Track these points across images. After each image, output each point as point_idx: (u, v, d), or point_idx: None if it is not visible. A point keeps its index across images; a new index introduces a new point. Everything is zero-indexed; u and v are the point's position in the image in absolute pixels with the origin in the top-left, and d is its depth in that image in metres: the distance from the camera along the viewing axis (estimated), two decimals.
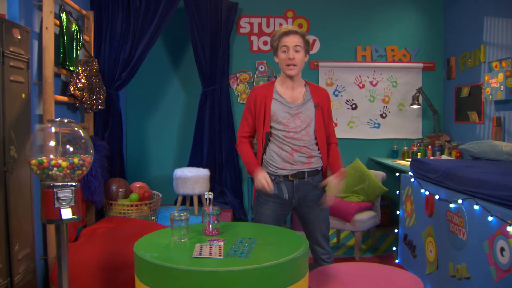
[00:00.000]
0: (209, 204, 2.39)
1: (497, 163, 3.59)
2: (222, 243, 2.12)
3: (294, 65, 2.77)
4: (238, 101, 5.72)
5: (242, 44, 5.74)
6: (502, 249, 2.48)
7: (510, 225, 2.40)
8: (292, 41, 2.75)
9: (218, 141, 5.47)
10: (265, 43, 5.71)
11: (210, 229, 2.35)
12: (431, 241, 3.42)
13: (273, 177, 2.81)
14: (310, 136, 2.82)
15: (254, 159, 2.86)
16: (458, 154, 4.92)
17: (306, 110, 2.83)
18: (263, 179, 2.73)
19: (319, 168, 2.88)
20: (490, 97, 4.50)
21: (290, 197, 2.82)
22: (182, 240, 2.21)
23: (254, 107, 2.86)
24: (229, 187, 5.51)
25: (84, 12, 4.16)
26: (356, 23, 5.79)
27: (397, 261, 4.14)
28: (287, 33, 2.76)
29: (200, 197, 4.99)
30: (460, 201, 2.96)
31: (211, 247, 2.06)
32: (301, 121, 2.80)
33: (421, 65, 5.78)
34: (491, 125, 4.68)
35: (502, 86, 4.29)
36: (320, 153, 2.88)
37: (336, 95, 5.79)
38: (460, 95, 5.33)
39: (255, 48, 5.73)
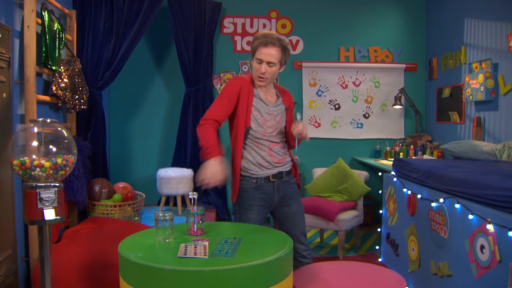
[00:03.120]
0: (194, 204, 2.39)
1: (478, 163, 3.64)
2: (207, 243, 2.12)
3: (264, 78, 2.75)
4: None
5: (225, 44, 5.74)
6: (482, 247, 2.53)
7: (490, 223, 2.45)
8: (268, 54, 2.70)
9: None
10: (248, 43, 5.71)
11: (195, 229, 2.34)
12: (414, 239, 3.47)
13: (254, 180, 2.80)
14: (282, 135, 2.89)
15: (217, 145, 2.64)
16: (439, 153, 4.98)
17: (279, 111, 2.87)
18: (215, 168, 2.52)
19: (291, 167, 2.95)
20: (471, 97, 4.57)
21: (272, 198, 2.84)
22: (167, 240, 2.20)
23: (237, 96, 2.77)
24: (213, 187, 5.49)
25: (66, 10, 4.12)
26: (339, 24, 5.83)
27: (380, 259, 4.18)
28: (266, 43, 2.70)
29: (183, 197, 4.98)
30: (441, 200, 3.00)
31: (195, 247, 2.06)
32: (276, 121, 2.84)
33: (404, 65, 5.84)
34: (471, 125, 4.75)
35: (482, 87, 4.36)
36: (288, 153, 2.96)
37: (319, 95, 5.82)
38: (441, 95, 5.40)
39: (238, 48, 5.74)
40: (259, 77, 2.75)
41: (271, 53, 2.70)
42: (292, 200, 2.91)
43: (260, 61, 2.73)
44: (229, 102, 2.75)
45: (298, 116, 2.90)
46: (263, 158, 2.80)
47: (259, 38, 2.74)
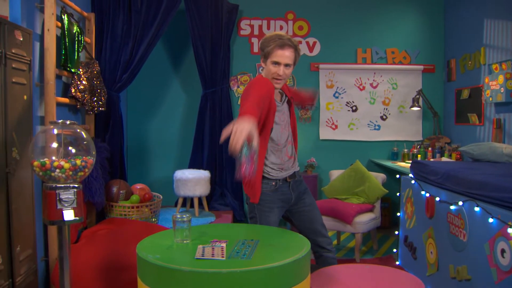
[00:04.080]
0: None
1: (497, 165, 3.60)
2: (224, 245, 2.13)
3: (281, 79, 2.76)
4: (238, 103, 5.72)
5: (242, 46, 5.75)
6: (503, 251, 2.49)
7: (510, 227, 2.41)
8: (285, 56, 2.69)
9: (219, 143, 5.47)
10: None
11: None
12: (432, 243, 3.43)
13: (274, 183, 2.80)
14: (289, 130, 2.90)
15: (254, 109, 2.33)
16: (458, 156, 4.93)
17: (285, 108, 2.88)
18: (244, 126, 2.06)
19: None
20: (490, 99, 4.51)
21: (289, 198, 2.86)
22: (185, 242, 2.21)
23: (270, 99, 2.67)
24: (230, 189, 5.52)
25: (85, 14, 4.17)
26: (356, 25, 5.80)
27: (397, 262, 4.14)
28: (282, 46, 2.69)
29: (200, 199, 4.99)
30: (460, 203, 2.97)
31: (213, 249, 2.07)
32: (286, 118, 2.88)
33: (421, 67, 5.79)
34: (491, 127, 4.69)
35: (502, 88, 4.30)
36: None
37: (337, 97, 5.80)
38: (460, 97, 5.34)
39: (255, 50, 5.74)
40: (276, 79, 2.74)
41: (287, 55, 2.70)
42: (305, 195, 2.95)
43: (277, 63, 2.71)
44: (265, 105, 2.61)
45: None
46: (283, 160, 2.82)
47: (274, 40, 2.71)
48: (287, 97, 2.92)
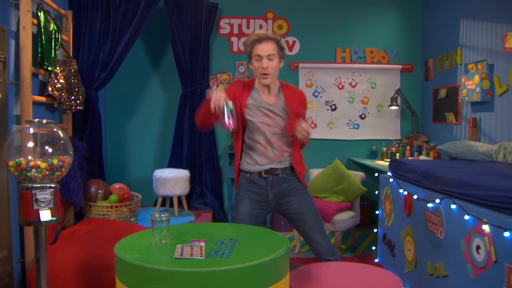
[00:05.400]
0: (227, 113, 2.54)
1: (473, 163, 3.65)
2: (203, 244, 2.12)
3: (268, 73, 2.75)
4: None
5: (222, 45, 5.74)
6: (478, 247, 2.53)
7: (485, 224, 2.45)
8: (265, 49, 2.71)
9: (198, 142, 5.46)
10: (245, 44, 5.71)
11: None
12: (410, 240, 3.47)
13: (248, 175, 2.85)
14: (280, 135, 2.85)
15: None
16: (435, 154, 5.00)
17: (279, 113, 2.84)
18: (218, 92, 2.57)
19: (291, 164, 2.91)
20: (467, 98, 4.59)
21: (265, 194, 2.84)
22: (163, 241, 2.19)
23: (232, 96, 2.79)
24: (209, 188, 5.50)
25: (62, 11, 4.11)
26: (335, 25, 5.84)
27: (376, 260, 4.18)
28: (260, 40, 2.72)
29: (180, 198, 4.97)
30: (437, 201, 3.01)
31: (192, 248, 2.06)
32: (274, 122, 2.82)
33: (400, 66, 5.85)
34: (467, 126, 4.77)
35: (478, 87, 4.37)
36: (291, 152, 2.90)
37: (316, 96, 5.83)
38: (437, 96, 5.42)
39: (235, 49, 5.74)
40: (263, 74, 2.75)
41: (267, 48, 2.72)
42: (292, 197, 2.88)
43: (259, 57, 2.73)
44: None
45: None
46: (259, 154, 2.83)
47: (251, 38, 2.77)
48: (285, 102, 2.86)
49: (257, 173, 2.84)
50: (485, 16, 4.47)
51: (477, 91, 4.38)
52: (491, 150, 3.82)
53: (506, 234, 2.28)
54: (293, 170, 2.91)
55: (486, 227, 2.45)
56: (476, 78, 4.39)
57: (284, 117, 2.84)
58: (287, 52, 5.76)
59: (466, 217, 2.65)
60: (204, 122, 2.78)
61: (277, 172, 2.84)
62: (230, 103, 2.56)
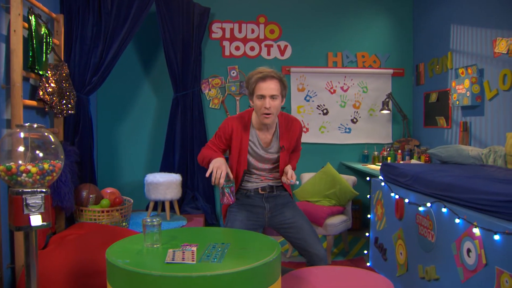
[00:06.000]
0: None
1: (464, 167, 3.68)
2: (195, 248, 2.12)
3: (270, 113, 2.75)
4: (210, 106, 5.71)
5: (214, 49, 5.74)
6: (468, 250, 2.55)
7: (476, 227, 2.47)
8: (269, 88, 2.69)
9: (190, 146, 5.45)
10: (237, 48, 5.72)
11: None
12: (401, 244, 3.48)
13: (245, 192, 2.94)
14: (275, 174, 2.99)
15: (218, 153, 2.87)
16: (427, 158, 5.02)
17: (273, 153, 2.92)
18: (220, 160, 2.69)
19: (281, 184, 3.03)
20: (457, 102, 4.62)
21: (261, 206, 2.90)
22: (155, 246, 2.19)
23: (229, 140, 2.89)
24: (201, 192, 5.49)
25: (53, 15, 4.10)
26: (327, 29, 5.86)
27: (368, 264, 4.19)
28: (264, 78, 2.70)
29: (172, 203, 4.96)
30: (428, 204, 3.03)
31: (183, 253, 2.05)
32: (269, 165, 2.96)
33: (391, 71, 5.88)
34: (458, 130, 4.80)
35: (468, 92, 4.40)
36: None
37: (307, 100, 5.84)
38: (428, 100, 5.45)
39: (227, 53, 5.74)
40: (265, 114, 2.74)
41: (271, 87, 2.70)
42: (285, 208, 2.97)
43: (262, 97, 2.72)
44: (222, 143, 2.91)
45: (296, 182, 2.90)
46: (255, 179, 2.98)
47: (255, 75, 2.74)
48: (280, 145, 2.92)
49: (254, 190, 2.94)
50: (475, 21, 4.51)
51: (468, 95, 4.41)
52: (481, 154, 3.85)
53: (496, 237, 2.29)
54: (283, 188, 3.05)
55: (476, 231, 2.47)
56: (467, 82, 4.43)
57: (276, 157, 2.94)
58: (279, 56, 5.77)
59: (457, 220, 2.66)
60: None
61: (272, 189, 2.97)
62: (230, 181, 2.68)
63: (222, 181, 2.60)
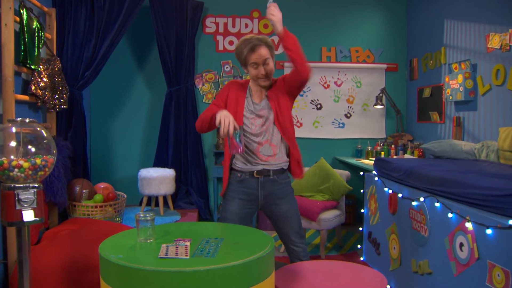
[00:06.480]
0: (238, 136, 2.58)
1: (457, 162, 3.69)
2: (188, 243, 2.11)
3: (267, 77, 2.82)
4: (203, 101, 5.70)
5: (207, 44, 5.72)
6: (461, 245, 2.56)
7: (468, 221, 2.48)
8: (260, 56, 2.77)
9: (184, 141, 5.44)
10: (230, 43, 5.71)
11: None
12: (395, 238, 3.50)
13: (239, 174, 2.85)
14: (272, 134, 2.86)
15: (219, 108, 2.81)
16: (420, 153, 5.04)
17: (266, 111, 2.87)
18: (224, 111, 2.64)
19: (285, 167, 2.91)
20: (451, 97, 4.63)
21: (255, 194, 2.84)
22: (148, 241, 2.18)
23: (225, 100, 2.89)
24: (195, 187, 5.49)
25: (46, 9, 4.06)
26: (321, 24, 5.85)
27: (362, 258, 4.21)
28: (253, 48, 2.76)
29: (165, 198, 4.95)
30: (422, 199, 3.04)
31: (177, 247, 2.05)
32: (263, 120, 2.85)
33: (385, 66, 5.89)
34: (451, 125, 4.82)
35: (461, 87, 4.42)
36: (285, 151, 2.92)
37: (301, 95, 5.84)
38: (422, 95, 5.46)
39: (220, 47, 5.72)
40: (262, 78, 2.82)
41: (262, 53, 2.78)
42: (282, 200, 2.89)
43: (256, 65, 2.79)
44: (222, 100, 2.91)
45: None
46: (251, 154, 2.83)
47: (243, 46, 2.79)
48: (267, 95, 2.88)
49: (249, 172, 2.84)
50: (469, 17, 4.52)
51: (461, 90, 4.43)
52: (474, 149, 3.86)
53: (489, 231, 2.31)
54: (284, 172, 2.91)
55: (469, 225, 2.48)
56: (460, 77, 4.44)
57: (269, 112, 2.86)
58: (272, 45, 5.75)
59: (450, 215, 2.67)
60: (205, 130, 2.89)
61: (268, 173, 2.84)
62: (239, 129, 2.61)
63: (231, 128, 2.55)
